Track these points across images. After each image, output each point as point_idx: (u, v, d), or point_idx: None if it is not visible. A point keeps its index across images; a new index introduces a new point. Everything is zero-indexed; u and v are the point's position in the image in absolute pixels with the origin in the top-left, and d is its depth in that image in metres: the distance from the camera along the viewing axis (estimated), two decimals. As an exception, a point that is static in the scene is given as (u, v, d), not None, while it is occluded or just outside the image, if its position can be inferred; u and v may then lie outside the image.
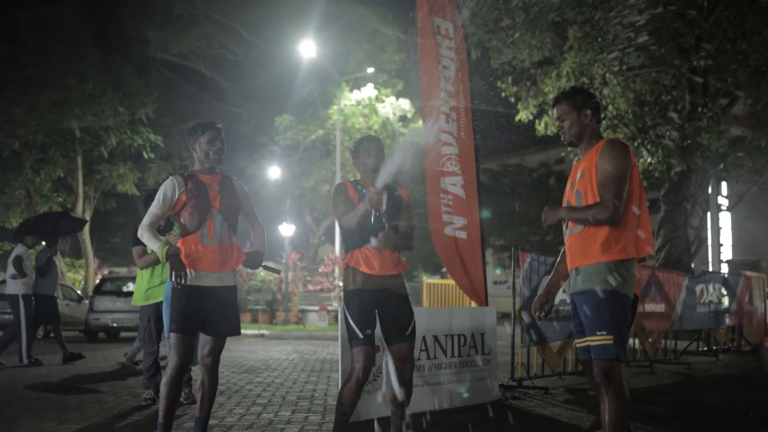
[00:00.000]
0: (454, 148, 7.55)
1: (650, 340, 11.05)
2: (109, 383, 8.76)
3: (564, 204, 4.18)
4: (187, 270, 4.49)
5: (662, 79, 17.94)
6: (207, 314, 4.57)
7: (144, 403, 6.97)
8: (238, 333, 4.85)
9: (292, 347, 15.39)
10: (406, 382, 4.69)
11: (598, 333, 3.75)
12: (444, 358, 6.91)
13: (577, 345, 4.09)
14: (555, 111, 4.19)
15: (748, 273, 15.25)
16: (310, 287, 26.27)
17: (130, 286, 18.03)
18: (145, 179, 30.20)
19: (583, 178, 3.96)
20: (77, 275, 34.93)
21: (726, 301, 13.34)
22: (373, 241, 4.64)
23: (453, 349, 6.98)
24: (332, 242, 31.25)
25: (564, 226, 4.16)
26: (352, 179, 5.03)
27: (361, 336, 4.56)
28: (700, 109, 16.70)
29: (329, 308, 23.75)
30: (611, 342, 3.72)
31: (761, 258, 28.86)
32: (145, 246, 6.79)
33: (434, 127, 7.44)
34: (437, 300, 15.19)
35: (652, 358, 10.97)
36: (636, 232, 3.86)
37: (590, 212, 3.83)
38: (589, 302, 3.81)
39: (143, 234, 4.61)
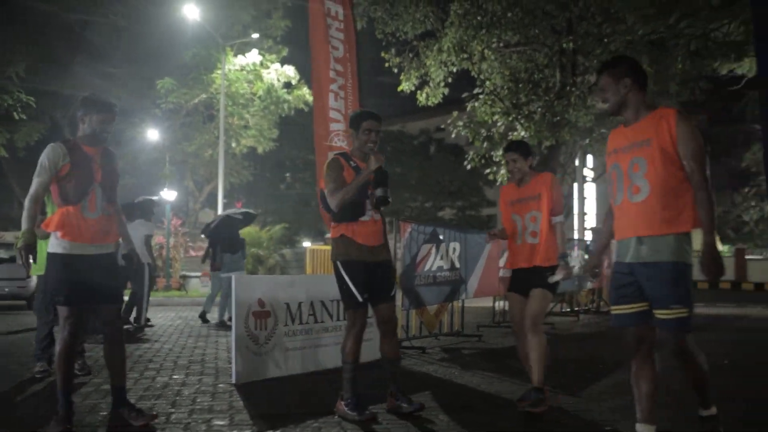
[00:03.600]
0: (341, 125, 8.02)
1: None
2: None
3: (609, 170, 4.14)
4: (67, 242, 4.66)
5: (536, 58, 18.76)
6: (91, 284, 4.68)
7: (38, 376, 6.83)
8: (122, 300, 5.07)
9: (175, 314, 15.51)
10: (394, 338, 5.30)
11: (673, 306, 3.77)
12: (330, 322, 7.42)
13: (626, 311, 3.99)
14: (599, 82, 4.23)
15: (609, 241, 16.37)
16: (192, 252, 26.23)
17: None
18: (14, 142, 29.05)
19: (650, 146, 3.89)
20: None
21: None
22: (367, 215, 5.20)
23: (339, 313, 7.50)
24: (214, 207, 31.11)
25: (612, 195, 4.15)
26: (340, 153, 5.46)
27: (360, 300, 5.17)
28: (568, 87, 17.66)
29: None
30: (687, 315, 3.78)
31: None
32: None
33: (323, 105, 7.89)
34: (320, 266, 15.66)
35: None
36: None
37: (707, 201, 3.78)
38: (664, 275, 3.81)
39: (25, 206, 4.61)
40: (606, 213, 4.40)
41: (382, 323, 5.28)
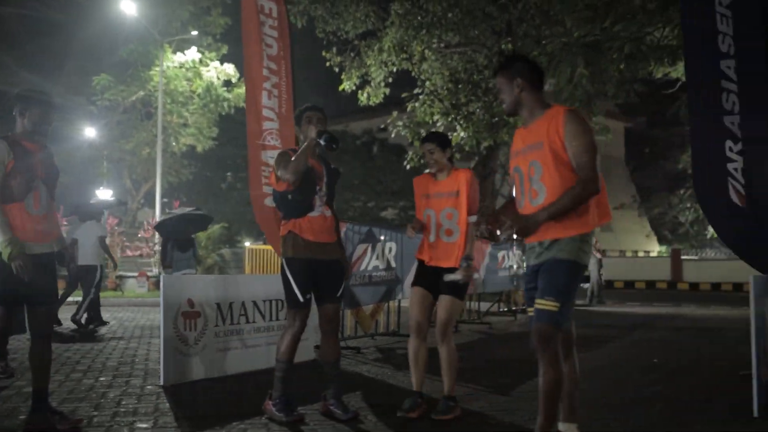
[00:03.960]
0: (275, 123, 7.94)
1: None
2: None
3: (512, 173, 4.12)
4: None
5: (476, 59, 18.91)
6: (27, 284, 4.52)
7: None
8: (57, 299, 4.98)
9: (110, 314, 15.14)
10: (334, 339, 5.21)
11: (546, 297, 3.73)
12: (262, 322, 7.34)
13: (530, 313, 3.96)
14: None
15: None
16: (128, 252, 25.75)
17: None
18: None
19: (542, 149, 3.84)
20: None
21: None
22: (316, 211, 5.07)
23: (271, 313, 7.42)
24: (152, 206, 30.65)
25: (516, 198, 4.10)
26: (291, 148, 5.38)
27: (301, 300, 5.04)
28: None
29: (149, 274, 23.41)
30: (556, 309, 3.70)
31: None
32: None
33: (256, 103, 7.81)
34: (259, 265, 15.55)
35: (458, 318, 11.92)
36: (603, 198, 3.90)
37: (576, 195, 3.72)
38: (551, 268, 3.78)
39: None
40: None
41: (325, 323, 5.20)
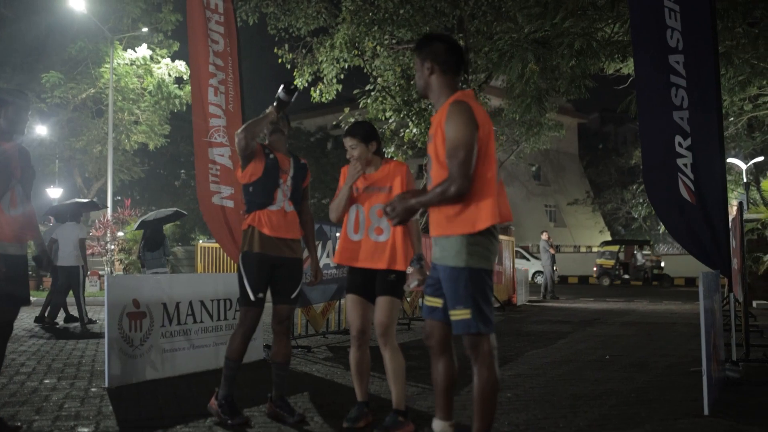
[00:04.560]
0: (222, 120, 7.85)
1: (408, 299, 12.00)
2: None
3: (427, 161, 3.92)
4: None
5: (429, 55, 18.91)
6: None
7: None
8: (29, 302, 4.89)
9: (61, 312, 14.92)
10: (286, 340, 5.03)
11: (457, 307, 3.58)
12: (210, 322, 7.27)
13: (426, 304, 3.83)
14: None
15: (500, 237, 16.80)
16: (80, 252, 25.27)
17: None
18: None
19: (432, 142, 3.70)
20: None
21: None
22: (277, 204, 4.89)
23: (219, 313, 7.35)
24: (105, 204, 30.20)
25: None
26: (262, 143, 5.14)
27: (252, 299, 4.85)
28: (459, 85, 17.87)
29: (101, 273, 23.04)
30: (470, 316, 3.55)
31: (522, 226, 31.47)
32: None
33: (202, 100, 7.72)
34: (211, 264, 15.39)
35: (410, 316, 11.96)
36: (491, 198, 3.57)
37: (440, 192, 3.53)
38: (446, 276, 3.62)
39: None
40: None
41: (277, 324, 5.04)
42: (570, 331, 11.33)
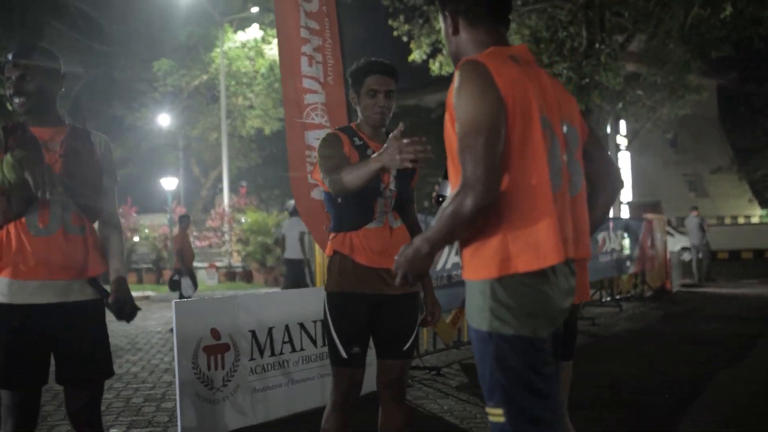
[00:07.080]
0: (319, 96, 6.32)
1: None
2: None
3: None
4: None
5: (558, 15, 17.34)
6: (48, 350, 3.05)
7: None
8: (111, 374, 3.32)
9: (159, 314, 14.10)
10: (398, 406, 3.43)
11: (488, 404, 2.21)
12: (314, 349, 5.82)
13: None
14: None
15: (650, 216, 15.05)
16: (197, 243, 24.79)
17: None
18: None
19: (445, 131, 2.33)
20: None
21: (628, 247, 12.94)
22: (378, 221, 3.32)
23: (324, 337, 5.87)
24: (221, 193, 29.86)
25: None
26: (343, 127, 3.52)
27: (344, 356, 3.29)
28: (597, 45, 16.08)
29: (218, 264, 22.47)
30: (503, 419, 2.16)
31: (660, 197, 29.09)
32: None
33: (293, 73, 6.19)
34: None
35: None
36: (540, 219, 2.11)
37: (452, 212, 2.09)
38: (473, 344, 2.25)
39: None
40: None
41: (383, 387, 3.42)
42: (756, 334, 9.15)
